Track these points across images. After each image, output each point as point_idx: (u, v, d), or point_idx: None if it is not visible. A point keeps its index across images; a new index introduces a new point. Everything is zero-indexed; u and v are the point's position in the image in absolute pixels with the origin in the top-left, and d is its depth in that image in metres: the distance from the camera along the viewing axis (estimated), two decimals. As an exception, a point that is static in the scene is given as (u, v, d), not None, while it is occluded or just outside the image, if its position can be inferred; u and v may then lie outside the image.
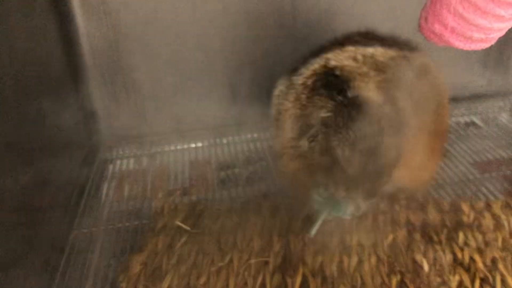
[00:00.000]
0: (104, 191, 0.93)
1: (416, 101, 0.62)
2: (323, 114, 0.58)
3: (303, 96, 0.62)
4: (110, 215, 0.85)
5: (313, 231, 0.69)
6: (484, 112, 1.11)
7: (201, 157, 1.03)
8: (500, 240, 0.68)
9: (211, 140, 1.08)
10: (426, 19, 0.49)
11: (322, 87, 0.60)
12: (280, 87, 0.69)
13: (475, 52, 0.62)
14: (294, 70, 0.67)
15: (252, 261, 0.67)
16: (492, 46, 0.50)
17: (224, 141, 1.07)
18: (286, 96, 0.65)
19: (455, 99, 1.12)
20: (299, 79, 0.64)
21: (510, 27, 0.46)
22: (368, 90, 0.58)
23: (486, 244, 0.67)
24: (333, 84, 0.59)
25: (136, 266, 0.69)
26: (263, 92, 1.09)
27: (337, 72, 0.60)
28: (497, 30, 0.45)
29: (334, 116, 0.58)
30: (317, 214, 0.68)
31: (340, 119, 0.57)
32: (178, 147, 1.06)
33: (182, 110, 1.07)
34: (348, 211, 0.65)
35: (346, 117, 0.57)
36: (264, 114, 1.11)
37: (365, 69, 0.61)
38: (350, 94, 0.57)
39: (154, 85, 1.03)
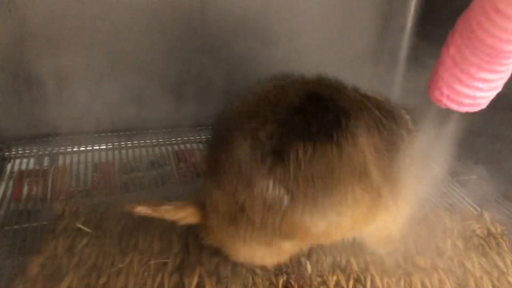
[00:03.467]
0: (1, 190, 0.91)
1: None
2: None
3: None
4: (7, 216, 0.83)
5: None
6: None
7: (105, 159, 1.04)
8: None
9: (115, 142, 1.09)
10: (430, 87, 0.62)
11: None
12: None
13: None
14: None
15: (152, 262, 0.71)
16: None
17: (129, 144, 1.09)
18: None
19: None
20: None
21: (493, 96, 0.59)
22: None
23: (361, 248, 0.77)
24: None
25: (34, 268, 0.69)
26: (169, 98, 1.14)
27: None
28: (481, 98, 0.58)
29: None
30: None
31: None
32: (82, 148, 1.06)
33: (87, 111, 1.08)
34: None
35: None
36: (169, 119, 1.15)
37: None
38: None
39: (60, 85, 1.03)
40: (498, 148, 0.97)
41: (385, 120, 0.65)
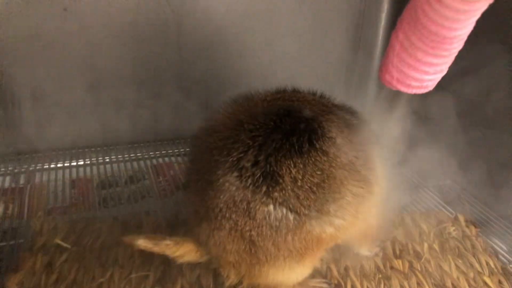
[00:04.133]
0: (-24, 210, 0.89)
1: None
2: None
3: None
4: (-18, 235, 0.82)
5: None
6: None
7: (83, 175, 1.03)
8: (352, 251, 0.79)
9: (93, 158, 1.08)
10: (381, 71, 0.64)
11: None
12: None
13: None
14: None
15: (133, 275, 0.71)
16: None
17: (107, 159, 1.09)
18: None
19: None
20: None
21: (439, 79, 0.62)
22: None
23: (340, 254, 0.78)
24: None
25: (12, 286, 0.68)
26: (147, 112, 1.14)
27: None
28: (428, 81, 0.62)
29: None
30: None
31: None
32: (59, 165, 1.05)
33: (64, 127, 1.07)
34: None
35: None
36: (147, 133, 1.15)
37: None
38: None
39: (35, 101, 1.02)
40: (469, 153, 1.00)
41: (346, 115, 0.67)
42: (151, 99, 1.12)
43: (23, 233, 0.82)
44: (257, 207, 0.56)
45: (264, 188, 0.56)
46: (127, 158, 1.10)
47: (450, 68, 0.62)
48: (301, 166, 0.57)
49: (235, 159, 0.58)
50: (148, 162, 1.10)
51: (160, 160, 1.11)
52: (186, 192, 0.68)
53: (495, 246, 0.84)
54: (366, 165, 0.63)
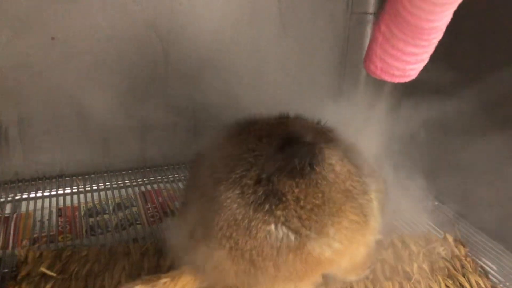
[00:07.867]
0: (-40, 240, 0.88)
1: None
2: None
3: None
4: (-35, 266, 0.80)
5: None
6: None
7: (70, 203, 1.02)
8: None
9: (80, 186, 1.07)
10: (365, 61, 0.66)
11: None
12: None
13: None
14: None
15: (120, 303, 0.69)
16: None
17: (94, 187, 1.08)
18: None
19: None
20: None
21: (421, 68, 0.64)
22: None
23: (330, 278, 0.77)
24: None
25: (-5, 316, 0.67)
26: (135, 139, 1.14)
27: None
28: (410, 70, 0.64)
29: None
30: None
31: None
32: (45, 193, 1.04)
33: (51, 155, 1.07)
34: None
35: None
36: (135, 160, 1.15)
37: None
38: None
39: (22, 130, 1.02)
40: (457, 173, 1.01)
41: (346, 146, 0.68)
42: (139, 126, 1.13)
43: (8, 263, 0.80)
44: (259, 225, 0.56)
45: (266, 206, 0.56)
46: (115, 185, 1.09)
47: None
48: (303, 186, 0.58)
49: (237, 176, 0.58)
50: (136, 189, 1.09)
51: (149, 186, 1.10)
52: (180, 212, 0.67)
53: (485, 266, 0.84)
54: (363, 196, 0.64)
